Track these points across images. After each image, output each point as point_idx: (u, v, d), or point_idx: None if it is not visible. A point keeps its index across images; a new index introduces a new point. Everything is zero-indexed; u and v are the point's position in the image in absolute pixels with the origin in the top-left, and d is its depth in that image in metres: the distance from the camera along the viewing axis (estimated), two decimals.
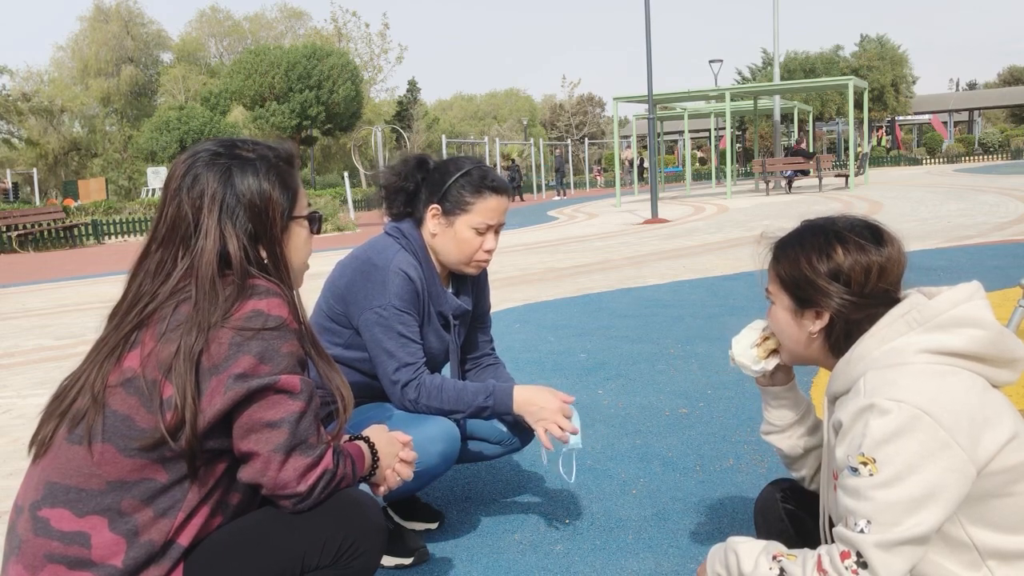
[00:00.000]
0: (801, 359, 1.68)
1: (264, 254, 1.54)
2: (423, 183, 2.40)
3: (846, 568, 1.37)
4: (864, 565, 1.36)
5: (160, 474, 1.42)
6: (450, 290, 2.50)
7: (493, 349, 2.72)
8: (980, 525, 1.42)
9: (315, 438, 1.49)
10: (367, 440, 1.70)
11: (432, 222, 2.37)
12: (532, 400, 2.29)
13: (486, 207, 2.34)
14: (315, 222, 1.67)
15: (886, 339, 1.48)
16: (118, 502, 1.41)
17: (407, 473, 1.77)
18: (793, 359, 1.70)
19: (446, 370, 2.57)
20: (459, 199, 2.34)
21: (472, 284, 2.57)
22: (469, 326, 2.62)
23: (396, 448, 1.75)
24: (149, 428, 1.40)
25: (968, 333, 1.44)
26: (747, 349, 1.83)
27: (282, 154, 1.62)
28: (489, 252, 2.39)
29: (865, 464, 1.38)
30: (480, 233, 2.35)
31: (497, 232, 2.41)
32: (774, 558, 1.48)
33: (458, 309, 2.47)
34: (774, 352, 1.80)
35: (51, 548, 1.40)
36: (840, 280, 1.53)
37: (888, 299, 1.53)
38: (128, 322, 1.47)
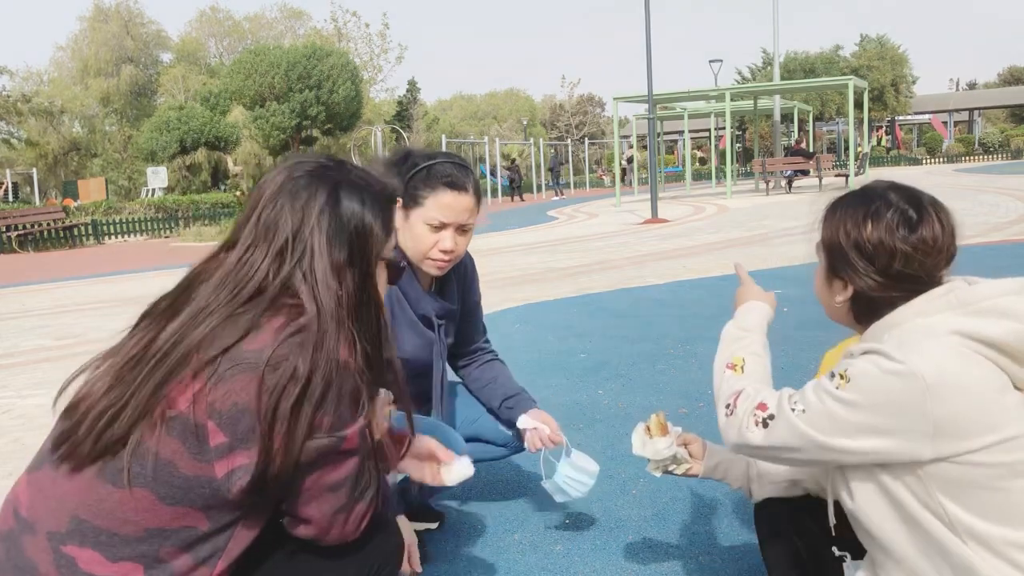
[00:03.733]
0: (835, 319, 1.65)
1: (353, 287, 1.42)
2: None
3: (752, 416, 1.47)
4: (766, 425, 1.45)
5: (202, 522, 1.32)
6: (432, 290, 2.44)
7: (488, 342, 2.66)
8: (965, 509, 1.37)
9: (367, 480, 1.43)
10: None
11: (397, 215, 2.34)
12: None
13: (438, 202, 2.23)
14: (395, 271, 1.57)
15: (922, 312, 1.45)
16: (155, 549, 1.30)
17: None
18: (829, 316, 1.67)
19: (436, 372, 2.48)
20: (414, 192, 2.25)
21: (458, 280, 2.51)
22: (460, 320, 2.55)
23: (413, 537, 1.71)
24: (192, 476, 1.29)
25: (1006, 324, 1.39)
26: (649, 443, 1.86)
27: (387, 191, 1.54)
28: (446, 252, 2.27)
29: (841, 377, 1.40)
30: (435, 229, 2.25)
31: (462, 232, 2.29)
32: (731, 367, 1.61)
33: (441, 310, 2.41)
34: (663, 426, 1.86)
35: None
36: (864, 256, 1.50)
37: (920, 284, 1.48)
38: (174, 338, 1.32)
